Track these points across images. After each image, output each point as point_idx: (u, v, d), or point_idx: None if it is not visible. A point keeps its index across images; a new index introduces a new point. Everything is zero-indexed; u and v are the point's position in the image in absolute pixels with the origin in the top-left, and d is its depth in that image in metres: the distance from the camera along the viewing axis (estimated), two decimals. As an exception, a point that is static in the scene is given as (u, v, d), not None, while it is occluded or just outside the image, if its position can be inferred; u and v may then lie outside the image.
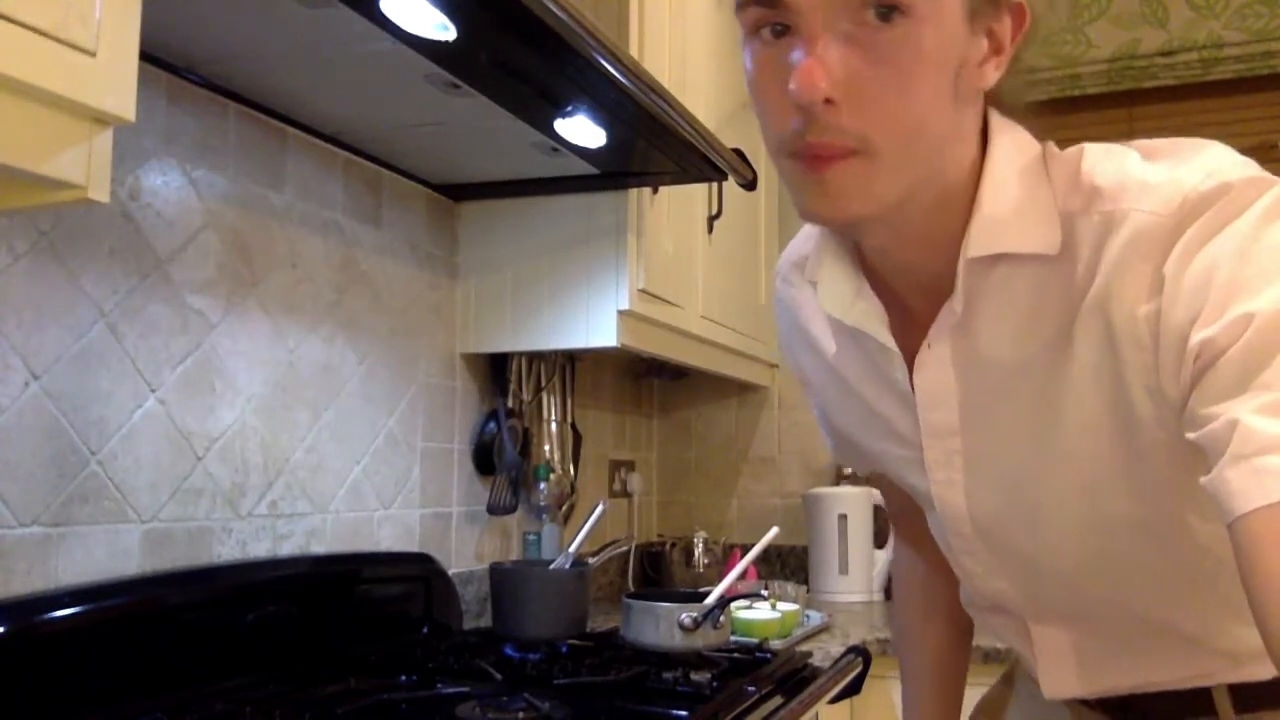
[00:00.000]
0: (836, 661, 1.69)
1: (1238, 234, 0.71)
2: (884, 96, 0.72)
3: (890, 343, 0.86)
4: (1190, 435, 0.69)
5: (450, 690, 1.38)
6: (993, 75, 0.78)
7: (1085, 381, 0.79)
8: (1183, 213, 0.73)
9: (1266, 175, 0.77)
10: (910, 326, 0.86)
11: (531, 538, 2.16)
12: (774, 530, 1.69)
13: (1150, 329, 0.73)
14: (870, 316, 0.87)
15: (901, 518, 1.16)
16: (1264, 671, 0.83)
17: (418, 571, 1.78)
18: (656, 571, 2.64)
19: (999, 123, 0.83)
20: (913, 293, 0.86)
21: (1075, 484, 0.83)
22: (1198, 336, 0.69)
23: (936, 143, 0.76)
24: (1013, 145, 0.82)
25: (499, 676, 1.45)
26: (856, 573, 2.56)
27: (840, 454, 1.10)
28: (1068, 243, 0.78)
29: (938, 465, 0.90)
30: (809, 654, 1.75)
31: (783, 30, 0.73)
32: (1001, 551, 0.92)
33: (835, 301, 0.89)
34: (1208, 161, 0.77)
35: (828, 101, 0.71)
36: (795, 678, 1.58)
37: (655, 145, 1.65)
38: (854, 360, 0.94)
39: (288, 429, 1.58)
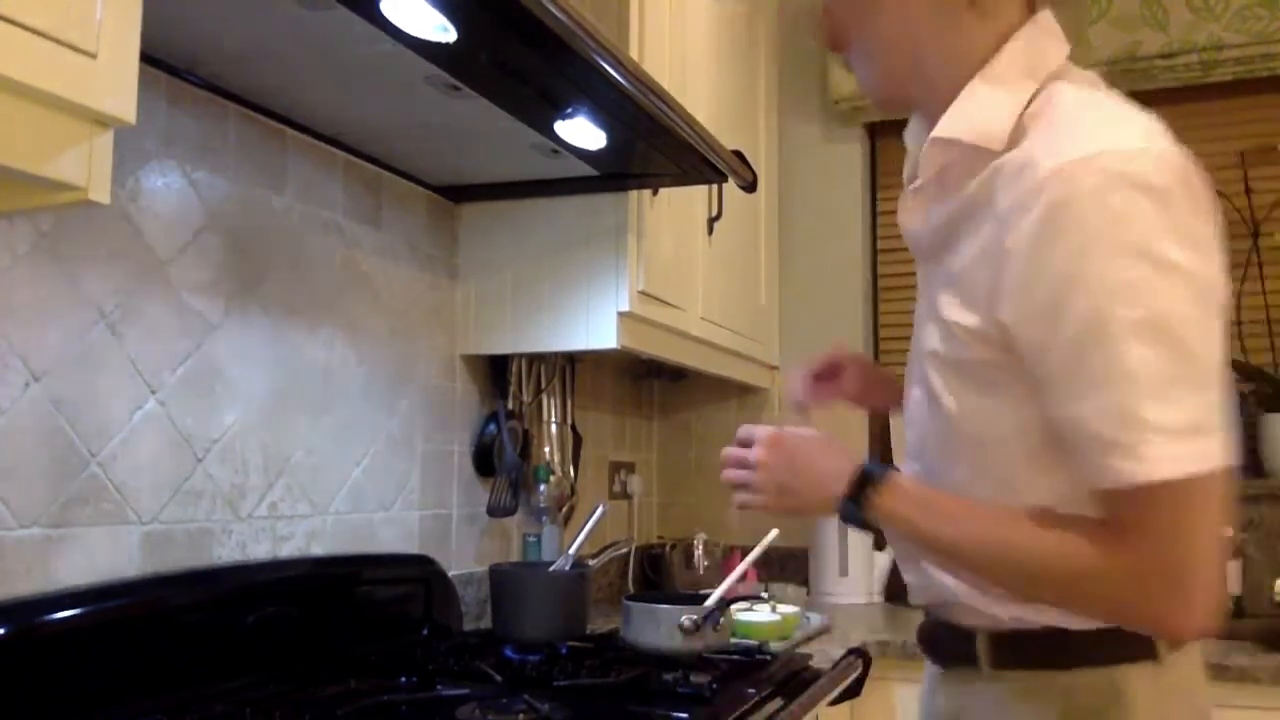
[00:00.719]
0: (837, 663, 1.69)
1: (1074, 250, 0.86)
2: (859, 8, 0.99)
3: (906, 179, 1.09)
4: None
5: (450, 692, 1.38)
6: None
7: (950, 272, 0.98)
8: (1050, 184, 0.87)
9: (1134, 177, 0.87)
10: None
11: (531, 539, 2.16)
12: (774, 532, 1.68)
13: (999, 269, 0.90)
14: (910, 158, 1.09)
15: None
16: (1028, 619, 0.97)
17: (418, 573, 1.78)
18: (656, 573, 2.64)
19: (1029, 29, 0.97)
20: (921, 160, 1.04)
21: (926, 317, 1.04)
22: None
23: (918, 50, 0.98)
24: (1021, 52, 0.96)
25: (499, 678, 1.45)
26: (856, 575, 2.56)
27: None
28: (1010, 144, 0.93)
29: (921, 279, 1.10)
30: (809, 656, 1.74)
31: None
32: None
33: (910, 136, 1.11)
34: (1089, 147, 0.88)
35: (825, 10, 1.00)
36: (795, 679, 1.58)
37: (655, 147, 1.65)
38: None
39: (288, 430, 1.59)
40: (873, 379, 1.33)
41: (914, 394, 1.08)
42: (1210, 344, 0.86)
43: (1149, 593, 0.88)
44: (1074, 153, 0.86)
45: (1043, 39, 0.98)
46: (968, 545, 0.97)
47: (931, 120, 0.99)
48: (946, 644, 1.08)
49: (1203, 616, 0.87)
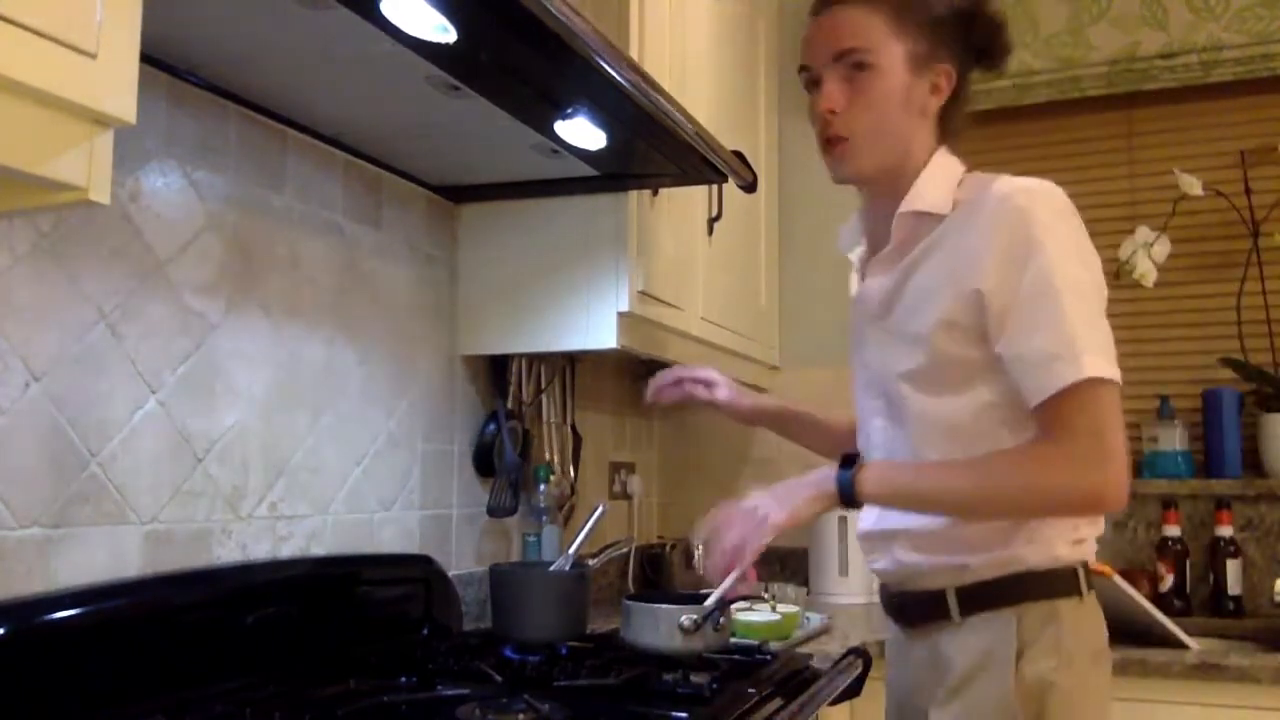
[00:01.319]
0: (836, 663, 1.69)
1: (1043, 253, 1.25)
2: (858, 109, 1.35)
3: (857, 266, 1.49)
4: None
5: (450, 692, 1.38)
6: (933, 103, 1.38)
7: (927, 287, 1.33)
8: (1004, 199, 1.27)
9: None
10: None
11: (531, 539, 2.16)
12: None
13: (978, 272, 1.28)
14: (857, 251, 1.50)
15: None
16: (986, 574, 1.31)
17: (418, 573, 1.79)
18: (656, 573, 2.64)
19: (944, 153, 1.40)
20: (879, 240, 1.43)
21: (894, 348, 1.38)
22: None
23: (892, 137, 1.36)
24: (946, 162, 1.39)
25: (499, 678, 1.45)
26: (856, 574, 2.56)
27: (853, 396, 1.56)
28: (952, 212, 1.34)
29: (867, 340, 1.45)
30: (809, 656, 1.74)
31: (816, 83, 1.38)
32: (870, 393, 1.45)
33: (844, 243, 1.53)
34: (1027, 182, 1.29)
35: (831, 112, 1.36)
36: (795, 679, 1.58)
37: (655, 147, 1.65)
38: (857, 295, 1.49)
39: (288, 430, 1.59)
40: (746, 402, 1.71)
41: (875, 424, 1.42)
42: (1103, 306, 1.27)
43: (1087, 472, 1.22)
44: (1013, 186, 1.28)
45: (954, 157, 1.40)
46: (946, 482, 1.30)
47: (887, 200, 1.38)
48: (917, 607, 1.39)
49: (1124, 491, 1.22)
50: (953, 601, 1.34)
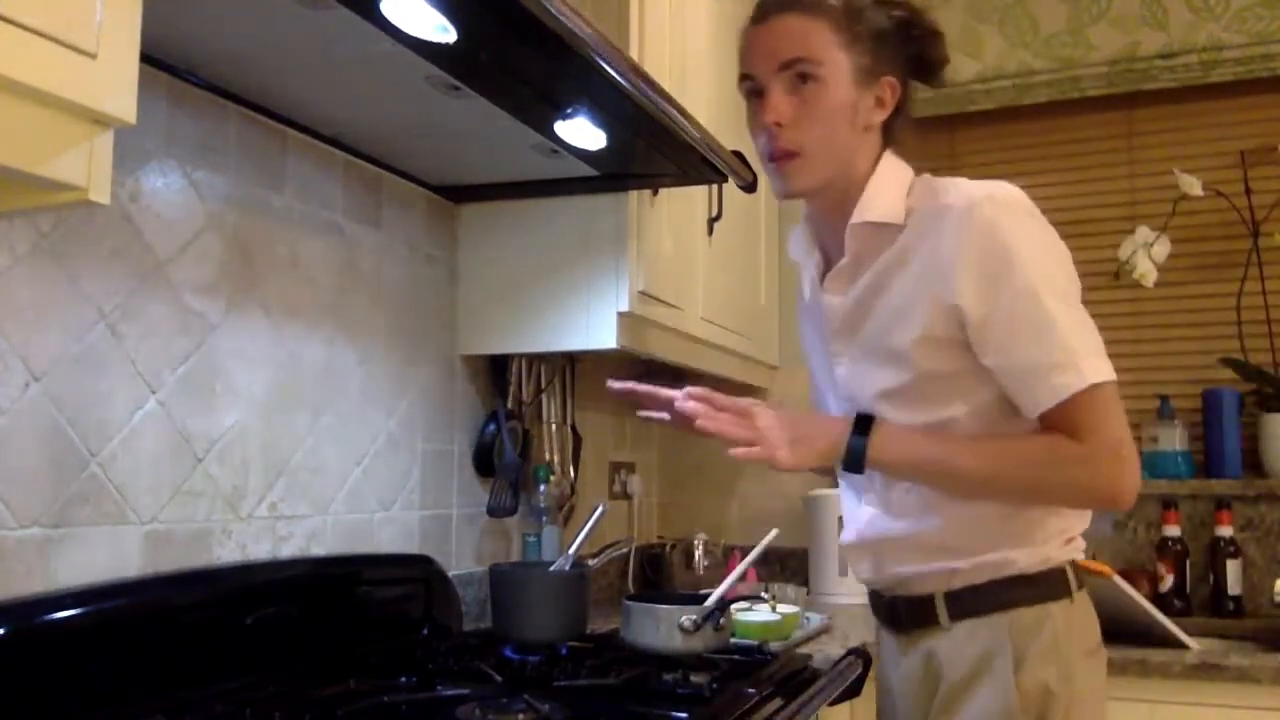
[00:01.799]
0: (836, 663, 1.69)
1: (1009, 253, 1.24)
2: (807, 122, 1.31)
3: (814, 276, 1.45)
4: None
5: (450, 692, 1.38)
6: (878, 117, 1.35)
7: (892, 307, 1.31)
8: (970, 210, 1.25)
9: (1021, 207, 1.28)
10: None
11: (531, 539, 2.16)
12: (774, 532, 1.68)
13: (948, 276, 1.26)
14: (810, 262, 1.46)
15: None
16: (974, 578, 1.30)
17: (418, 573, 1.79)
18: (656, 573, 2.64)
19: (889, 157, 1.37)
20: (832, 252, 1.41)
21: (869, 368, 1.35)
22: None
23: (840, 152, 1.33)
24: (892, 169, 1.36)
25: (499, 678, 1.45)
26: (856, 575, 2.56)
27: (811, 390, 1.56)
28: (908, 220, 1.32)
29: (836, 355, 1.40)
30: (809, 656, 1.74)
31: (758, 93, 1.34)
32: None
33: (796, 251, 1.49)
34: (988, 187, 1.27)
35: (777, 124, 1.32)
36: (795, 679, 1.58)
37: (655, 147, 1.65)
38: (811, 304, 1.47)
39: (288, 430, 1.59)
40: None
41: None
42: (1084, 307, 1.27)
43: (1100, 469, 1.23)
44: (976, 193, 1.26)
45: (900, 161, 1.38)
46: (961, 456, 1.28)
47: (834, 212, 1.37)
48: (906, 612, 1.37)
49: (1137, 483, 1.24)
50: (941, 606, 1.33)
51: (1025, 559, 1.30)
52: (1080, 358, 1.21)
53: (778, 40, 1.31)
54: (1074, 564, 1.34)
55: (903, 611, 1.38)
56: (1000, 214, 1.24)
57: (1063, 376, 1.21)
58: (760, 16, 1.34)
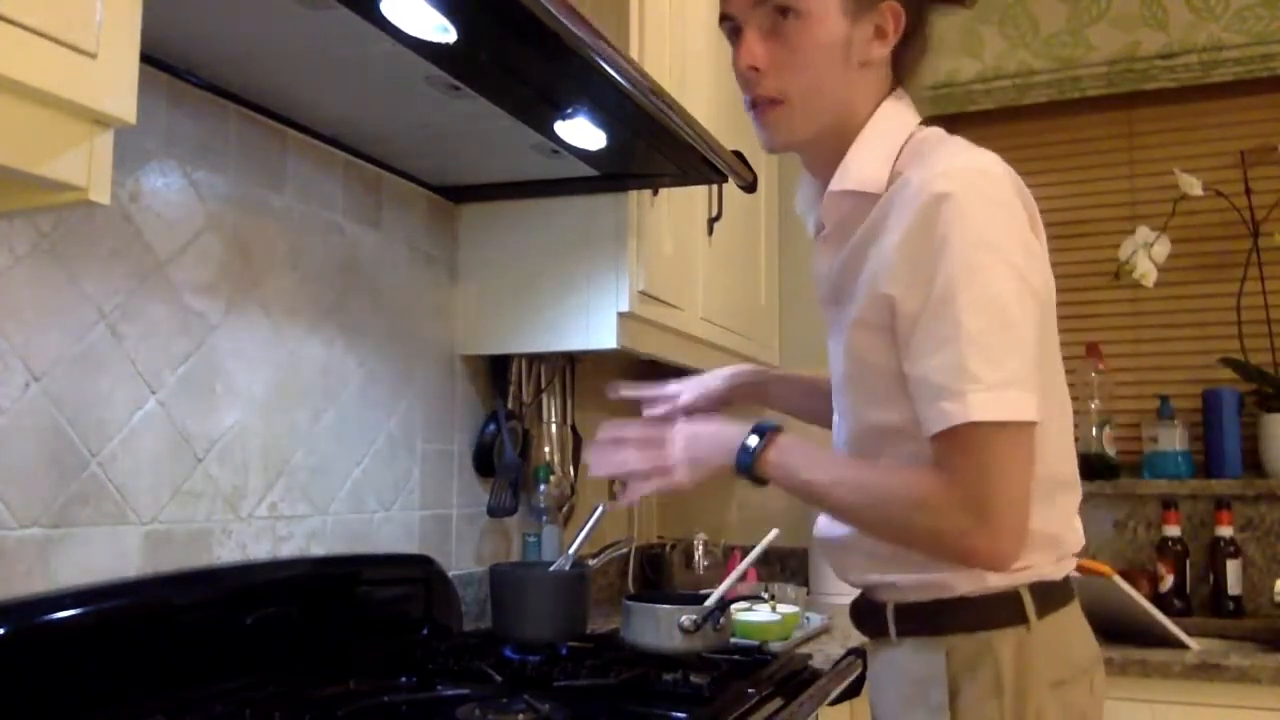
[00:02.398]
0: (836, 663, 1.69)
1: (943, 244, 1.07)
2: (789, 66, 1.15)
3: (812, 237, 1.30)
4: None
5: (450, 692, 1.38)
6: (879, 52, 1.17)
7: (862, 281, 1.16)
8: (920, 189, 1.08)
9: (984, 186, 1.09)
10: None
11: (531, 539, 2.16)
12: (774, 532, 1.68)
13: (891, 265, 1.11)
14: (810, 219, 1.31)
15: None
16: (917, 596, 1.18)
17: (418, 573, 1.78)
18: (656, 573, 2.64)
19: (887, 107, 1.19)
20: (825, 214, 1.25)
21: (841, 340, 1.22)
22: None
23: (832, 96, 1.17)
24: (886, 123, 1.18)
25: (499, 678, 1.45)
26: (856, 575, 2.56)
27: None
28: (887, 194, 1.14)
29: (827, 326, 1.30)
30: (809, 656, 1.75)
31: (738, 32, 1.18)
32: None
33: (801, 205, 1.35)
34: (955, 163, 1.11)
35: (754, 69, 1.16)
36: (795, 679, 1.58)
37: (655, 147, 1.65)
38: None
39: (288, 430, 1.59)
40: (716, 385, 1.51)
41: (836, 421, 1.31)
42: (1026, 320, 1.07)
43: (961, 524, 1.05)
44: (937, 168, 1.09)
45: (904, 109, 1.21)
46: (833, 487, 1.16)
47: (829, 172, 1.21)
48: (868, 617, 1.27)
49: (1007, 547, 1.06)
50: (890, 618, 1.22)
51: (963, 583, 1.15)
52: (969, 388, 1.03)
53: None
54: (1035, 587, 1.16)
55: (864, 615, 1.28)
56: (948, 197, 1.06)
57: (950, 403, 1.04)
58: None
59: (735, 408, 1.51)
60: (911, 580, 1.19)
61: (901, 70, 1.22)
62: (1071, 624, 1.21)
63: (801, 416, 1.56)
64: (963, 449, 1.05)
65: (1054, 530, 1.18)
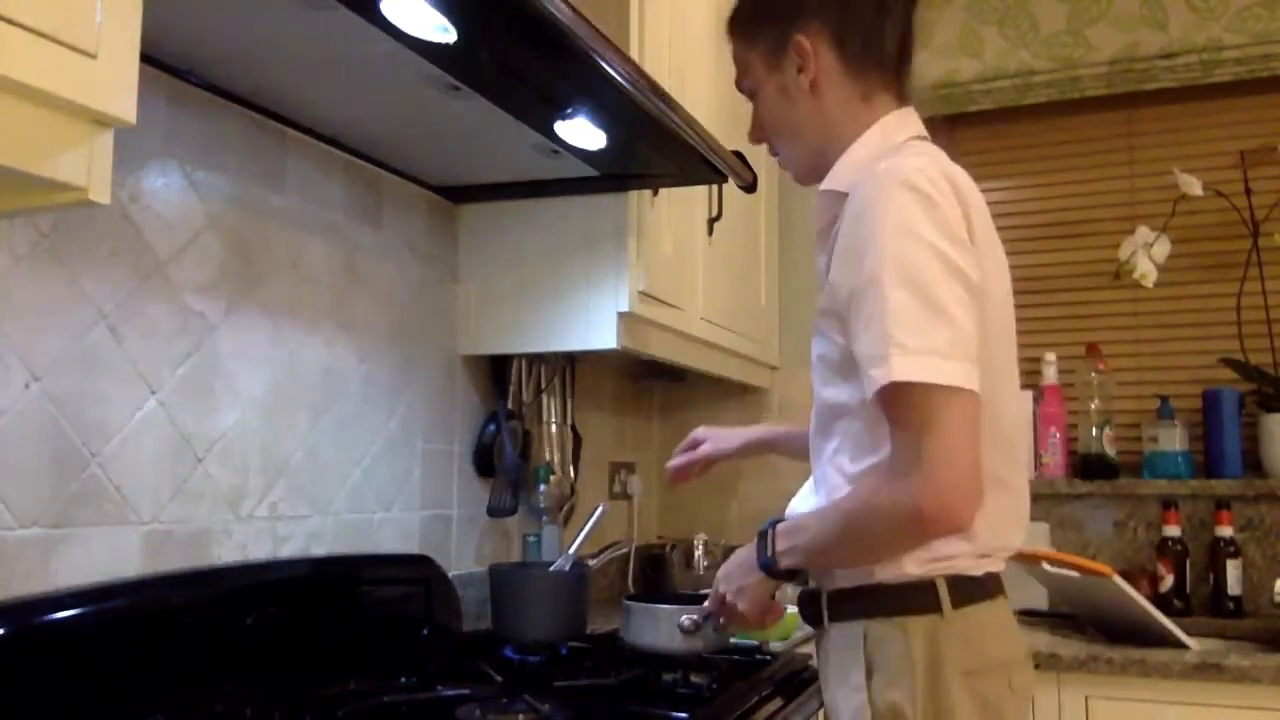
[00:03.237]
0: (836, 663, 1.68)
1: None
2: (769, 126, 1.38)
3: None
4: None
5: (450, 692, 1.38)
6: (808, 78, 1.31)
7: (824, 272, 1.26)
8: (864, 183, 1.20)
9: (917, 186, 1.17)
10: None
11: (531, 539, 2.16)
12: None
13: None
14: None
15: None
16: (845, 582, 1.25)
17: (418, 573, 1.79)
18: (656, 573, 2.64)
19: (895, 114, 1.31)
20: None
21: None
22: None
23: (804, 130, 1.34)
24: (876, 136, 1.29)
25: (499, 678, 1.45)
26: (856, 575, 2.56)
27: None
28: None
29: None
30: (809, 656, 1.74)
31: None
32: None
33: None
34: (897, 161, 1.21)
35: (760, 139, 1.43)
36: (795, 680, 1.58)
37: (655, 147, 1.65)
38: None
39: (288, 431, 1.59)
40: (734, 443, 1.67)
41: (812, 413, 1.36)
42: (952, 300, 1.14)
43: (906, 489, 1.11)
44: (879, 169, 1.20)
45: (899, 123, 1.31)
46: (820, 535, 1.24)
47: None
48: (808, 605, 1.33)
49: (955, 502, 1.10)
50: (824, 604, 1.29)
51: (883, 571, 1.22)
52: (895, 351, 1.11)
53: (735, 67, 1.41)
54: (953, 579, 1.22)
55: (805, 603, 1.35)
56: (881, 189, 1.17)
57: (876, 369, 1.12)
58: None
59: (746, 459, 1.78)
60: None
61: (872, 63, 1.31)
62: (991, 620, 1.26)
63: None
64: (895, 413, 1.13)
65: (976, 527, 1.19)
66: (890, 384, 1.10)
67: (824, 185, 1.30)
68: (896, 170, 1.17)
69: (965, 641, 1.21)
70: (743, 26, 1.37)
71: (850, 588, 1.26)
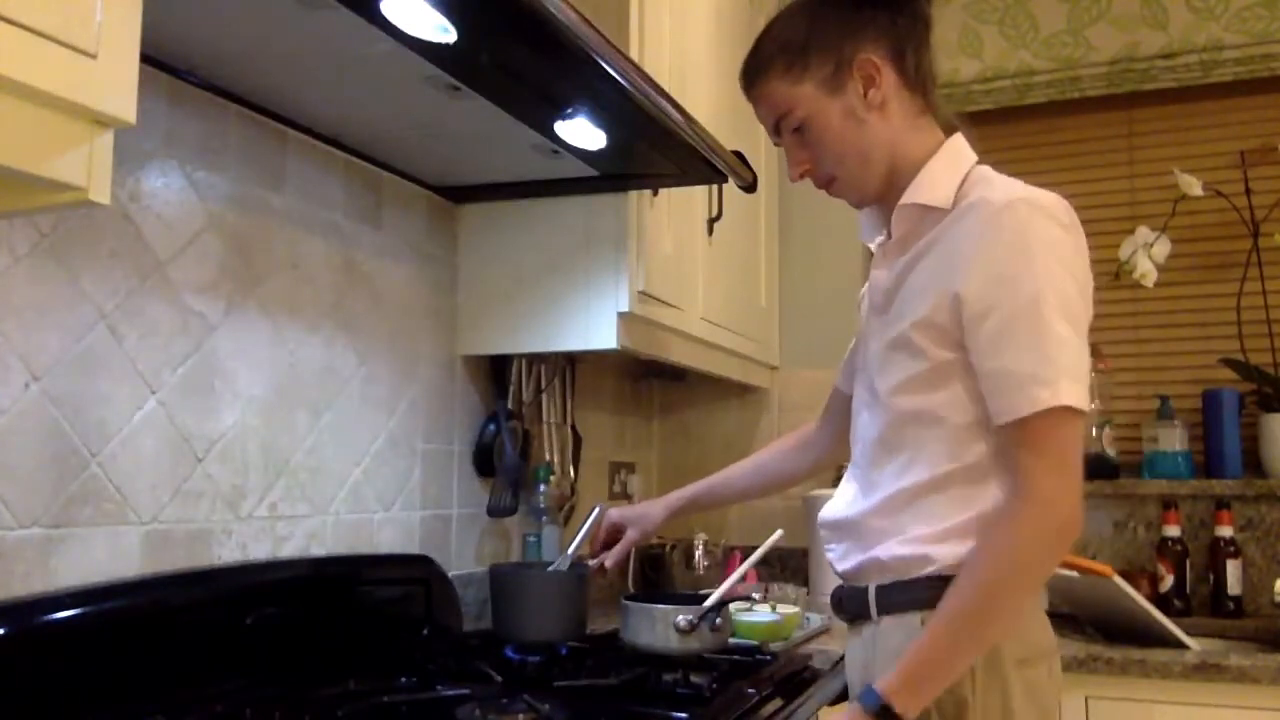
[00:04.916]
0: (837, 663, 1.69)
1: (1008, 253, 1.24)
2: (825, 156, 1.36)
3: (874, 249, 1.45)
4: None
5: (450, 692, 1.38)
6: (878, 96, 1.33)
7: (923, 284, 1.29)
8: (1006, 208, 1.24)
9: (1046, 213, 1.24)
10: None
11: (531, 539, 2.16)
12: (779, 533, 1.68)
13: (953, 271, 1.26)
14: (877, 239, 1.44)
15: (824, 416, 1.68)
16: (901, 573, 1.28)
17: (418, 573, 1.79)
18: (656, 573, 2.64)
19: (952, 144, 1.36)
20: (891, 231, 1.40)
21: (886, 348, 1.34)
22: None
23: (871, 153, 1.34)
24: (951, 154, 1.35)
25: (499, 678, 1.45)
26: (856, 575, 2.56)
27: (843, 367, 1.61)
28: (954, 207, 1.30)
29: (872, 332, 1.40)
30: (809, 656, 1.75)
31: (779, 136, 1.41)
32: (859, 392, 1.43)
33: (866, 234, 1.49)
34: (1029, 190, 1.26)
35: (807, 172, 1.39)
36: (795, 680, 1.58)
37: (655, 147, 1.65)
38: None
39: (288, 431, 1.59)
40: (656, 515, 1.70)
41: (862, 417, 1.39)
42: (1085, 334, 1.24)
43: (1036, 498, 1.18)
44: (1011, 194, 1.24)
45: (965, 147, 1.37)
46: (955, 622, 1.20)
47: (891, 197, 1.36)
48: (850, 603, 1.36)
49: (1080, 519, 1.20)
50: (873, 599, 1.31)
51: (943, 556, 1.24)
52: (1061, 376, 1.18)
53: (762, 111, 1.41)
54: None
55: (847, 601, 1.37)
56: (1035, 218, 1.22)
57: (1041, 390, 1.18)
58: (745, 92, 1.43)
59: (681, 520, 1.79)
60: (891, 555, 1.29)
61: (925, 92, 1.37)
62: (1034, 609, 1.32)
63: (753, 495, 1.76)
64: (1048, 432, 1.19)
65: None
66: (1059, 406, 1.17)
67: (910, 199, 1.32)
68: (1035, 199, 1.23)
69: (1017, 631, 1.26)
70: (789, 59, 1.34)
71: (909, 579, 1.27)
